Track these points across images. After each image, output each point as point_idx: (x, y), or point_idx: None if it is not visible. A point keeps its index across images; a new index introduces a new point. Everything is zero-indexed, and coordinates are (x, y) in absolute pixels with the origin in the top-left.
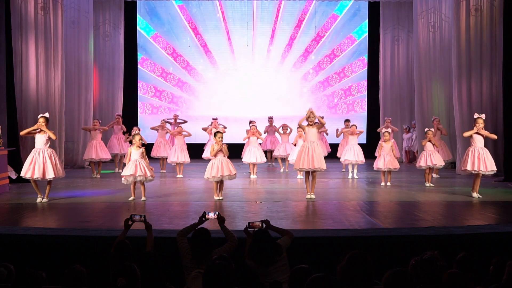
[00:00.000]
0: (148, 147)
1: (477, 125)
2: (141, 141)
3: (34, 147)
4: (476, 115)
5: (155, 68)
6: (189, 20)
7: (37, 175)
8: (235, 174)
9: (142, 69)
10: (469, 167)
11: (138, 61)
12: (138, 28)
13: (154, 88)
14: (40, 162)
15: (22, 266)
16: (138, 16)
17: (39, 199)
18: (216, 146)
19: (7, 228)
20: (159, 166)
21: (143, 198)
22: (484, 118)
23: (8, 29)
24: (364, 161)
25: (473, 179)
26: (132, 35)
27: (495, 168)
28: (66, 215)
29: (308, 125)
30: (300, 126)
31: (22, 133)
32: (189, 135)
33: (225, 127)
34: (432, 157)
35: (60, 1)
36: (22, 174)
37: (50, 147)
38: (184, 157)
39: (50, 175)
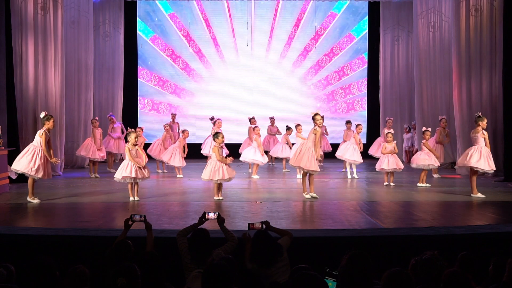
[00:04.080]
0: (147, 147)
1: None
2: (136, 139)
3: None
4: (479, 114)
5: (151, 77)
6: (202, 11)
7: (40, 175)
8: (229, 178)
9: (152, 46)
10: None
11: (142, 48)
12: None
13: (151, 102)
14: (43, 162)
15: (22, 266)
16: (137, 18)
17: (37, 200)
18: (218, 150)
19: (7, 228)
20: (157, 167)
21: (136, 198)
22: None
23: (8, 29)
24: (361, 161)
25: (470, 180)
26: (132, 35)
27: (493, 167)
28: (66, 215)
29: (316, 126)
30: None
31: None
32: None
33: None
34: (429, 157)
35: (60, 1)
36: (25, 169)
37: (51, 147)
38: (180, 161)
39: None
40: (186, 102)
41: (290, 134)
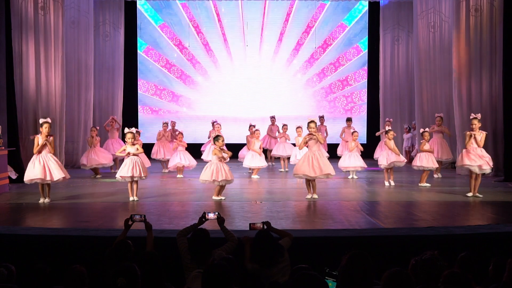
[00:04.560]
0: (148, 148)
1: (473, 126)
2: (132, 140)
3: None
4: (472, 116)
5: (159, 58)
6: (191, 19)
7: (41, 176)
8: (231, 179)
9: (146, 58)
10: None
11: (138, 59)
12: (144, 16)
13: (155, 86)
14: (42, 165)
15: (22, 266)
16: (137, 16)
17: (41, 200)
18: (218, 151)
19: (7, 228)
20: (162, 166)
21: (136, 198)
22: (479, 118)
23: (8, 29)
24: (365, 166)
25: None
26: (132, 35)
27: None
28: (66, 215)
29: (310, 134)
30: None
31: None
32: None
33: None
34: (427, 158)
35: (60, 1)
36: (28, 178)
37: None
38: (189, 160)
39: (56, 176)
40: (186, 102)
41: (286, 130)
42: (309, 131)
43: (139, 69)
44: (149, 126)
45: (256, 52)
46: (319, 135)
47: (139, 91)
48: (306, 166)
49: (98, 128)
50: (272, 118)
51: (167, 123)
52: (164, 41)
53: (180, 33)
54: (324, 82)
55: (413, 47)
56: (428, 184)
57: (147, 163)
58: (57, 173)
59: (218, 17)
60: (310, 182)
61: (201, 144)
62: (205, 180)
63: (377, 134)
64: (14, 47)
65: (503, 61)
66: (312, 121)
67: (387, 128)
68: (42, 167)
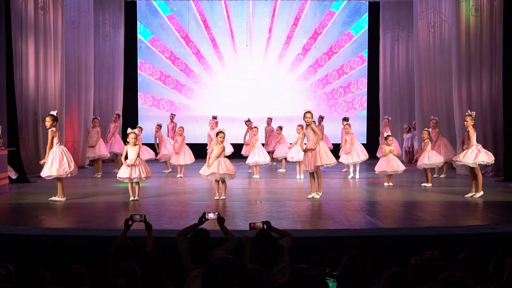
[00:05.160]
0: (152, 150)
1: (464, 123)
2: (134, 140)
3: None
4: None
5: (153, 71)
6: (180, 29)
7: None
8: (234, 173)
9: (142, 73)
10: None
11: (138, 62)
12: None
13: (152, 97)
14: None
15: (21, 267)
16: (137, 16)
17: (54, 198)
18: (216, 147)
19: (7, 228)
20: (165, 167)
21: (136, 198)
22: (472, 115)
23: (8, 29)
24: (367, 156)
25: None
26: (132, 35)
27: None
28: (66, 215)
29: (307, 125)
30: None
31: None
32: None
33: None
34: (430, 156)
35: (60, 1)
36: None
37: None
38: (189, 158)
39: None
40: (186, 101)
41: (281, 131)
42: (305, 122)
43: (143, 58)
44: (149, 125)
45: (249, 51)
46: (313, 125)
47: (139, 104)
48: (305, 159)
49: (99, 118)
50: (268, 120)
51: (160, 125)
52: (156, 54)
53: (172, 43)
54: (326, 88)
55: (413, 47)
56: (429, 184)
57: (149, 154)
58: (47, 170)
59: (205, 24)
60: (314, 178)
61: (201, 144)
62: (206, 175)
63: (380, 144)
64: (14, 47)
65: (503, 61)
66: (308, 112)
67: (385, 134)
68: (50, 162)
